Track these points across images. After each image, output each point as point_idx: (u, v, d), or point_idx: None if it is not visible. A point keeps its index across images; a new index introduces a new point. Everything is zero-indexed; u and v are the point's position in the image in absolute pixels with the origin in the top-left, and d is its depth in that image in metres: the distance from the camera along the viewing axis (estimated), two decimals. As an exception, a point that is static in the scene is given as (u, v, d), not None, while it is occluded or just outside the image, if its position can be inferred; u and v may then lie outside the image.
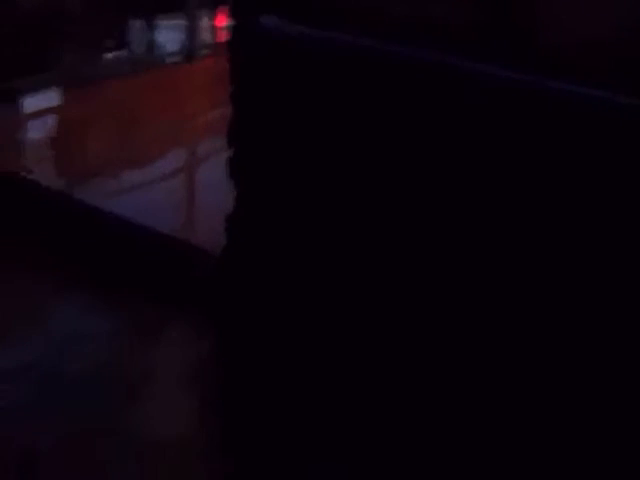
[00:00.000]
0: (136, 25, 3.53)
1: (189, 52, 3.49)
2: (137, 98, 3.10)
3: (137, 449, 1.68)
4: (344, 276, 1.80)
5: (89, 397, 1.81)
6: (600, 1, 1.57)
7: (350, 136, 1.76)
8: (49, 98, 3.13)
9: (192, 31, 3.54)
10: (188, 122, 3.05)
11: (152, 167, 2.80)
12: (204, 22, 3.65)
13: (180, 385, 1.87)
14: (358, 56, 1.73)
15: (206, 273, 2.04)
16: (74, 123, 2.94)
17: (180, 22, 3.57)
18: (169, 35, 3.55)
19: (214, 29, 3.70)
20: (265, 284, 1.91)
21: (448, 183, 1.68)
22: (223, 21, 3.55)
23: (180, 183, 2.78)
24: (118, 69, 3.33)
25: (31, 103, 3.05)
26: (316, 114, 1.80)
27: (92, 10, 3.35)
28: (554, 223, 1.61)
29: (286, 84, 1.84)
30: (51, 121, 3.09)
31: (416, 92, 1.68)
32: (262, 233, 1.92)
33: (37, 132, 2.98)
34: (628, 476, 1.57)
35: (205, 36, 3.63)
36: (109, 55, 3.43)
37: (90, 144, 2.92)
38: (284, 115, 1.86)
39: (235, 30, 1.89)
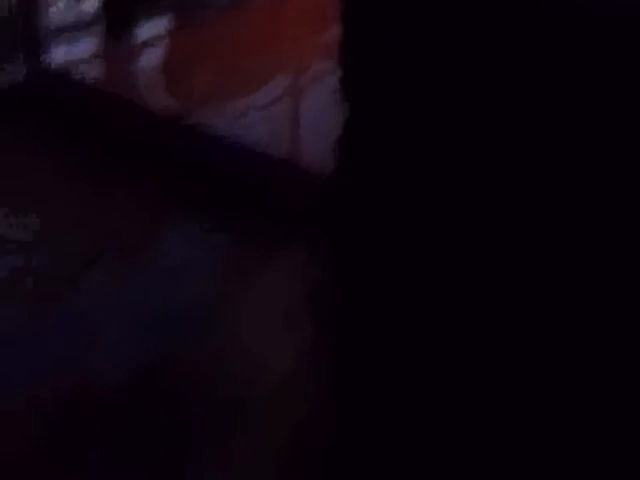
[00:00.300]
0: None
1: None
2: (243, 27, 3.13)
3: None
4: (457, 201, 1.77)
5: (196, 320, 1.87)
6: None
7: (478, 61, 1.69)
8: (160, 26, 3.21)
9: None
10: (297, 47, 3.06)
11: (261, 93, 2.82)
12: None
13: (291, 311, 1.90)
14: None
15: (316, 195, 2.07)
16: (184, 52, 3.00)
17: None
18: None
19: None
20: (377, 207, 1.91)
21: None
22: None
23: (289, 107, 2.81)
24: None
25: (144, 31, 3.13)
26: (435, 34, 1.76)
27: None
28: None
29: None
30: (162, 49, 3.16)
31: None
32: (374, 154, 1.91)
33: (149, 60, 3.06)
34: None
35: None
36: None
37: (200, 72, 2.96)
38: (399, 32, 1.81)
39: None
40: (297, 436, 1.62)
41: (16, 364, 1.73)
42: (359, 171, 1.92)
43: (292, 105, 2.85)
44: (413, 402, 1.64)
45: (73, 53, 2.94)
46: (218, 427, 1.62)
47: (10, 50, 2.86)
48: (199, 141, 2.43)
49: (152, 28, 3.14)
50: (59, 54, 2.95)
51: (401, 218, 1.85)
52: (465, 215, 1.75)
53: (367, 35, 1.85)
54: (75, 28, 3.08)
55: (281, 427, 1.63)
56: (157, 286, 1.96)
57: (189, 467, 1.55)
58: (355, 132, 1.92)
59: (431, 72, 1.76)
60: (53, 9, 3.13)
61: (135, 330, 1.82)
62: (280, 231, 2.11)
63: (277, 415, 1.65)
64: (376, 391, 1.68)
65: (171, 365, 1.75)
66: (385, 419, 1.64)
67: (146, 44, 3.08)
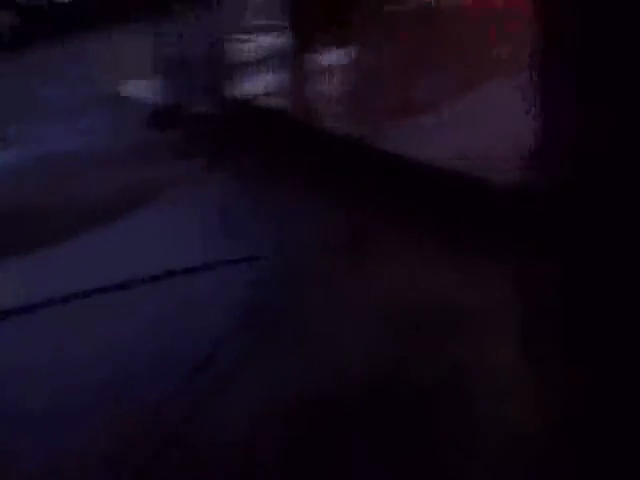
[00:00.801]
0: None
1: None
2: (426, 45, 3.17)
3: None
4: None
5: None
6: None
7: None
8: (343, 53, 3.33)
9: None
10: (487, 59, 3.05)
11: (446, 110, 2.82)
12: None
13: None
14: None
15: (508, 206, 2.03)
16: (369, 75, 3.06)
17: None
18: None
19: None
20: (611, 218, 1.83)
21: None
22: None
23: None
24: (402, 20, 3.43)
25: (328, 57, 3.25)
26: None
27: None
28: None
29: None
30: (346, 75, 3.24)
31: None
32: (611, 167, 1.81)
33: (334, 86, 3.16)
34: None
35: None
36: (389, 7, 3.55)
37: (385, 94, 3.01)
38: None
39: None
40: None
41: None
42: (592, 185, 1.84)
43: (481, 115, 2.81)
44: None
45: (260, 85, 3.09)
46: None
47: (205, 84, 3.04)
48: (390, 162, 2.47)
49: (335, 56, 3.25)
50: (248, 86, 3.10)
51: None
52: None
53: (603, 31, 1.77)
54: (260, 63, 3.24)
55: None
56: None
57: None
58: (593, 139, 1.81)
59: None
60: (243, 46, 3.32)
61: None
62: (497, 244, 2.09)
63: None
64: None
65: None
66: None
67: (330, 71, 3.18)
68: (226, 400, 1.72)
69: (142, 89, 3.19)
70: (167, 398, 1.70)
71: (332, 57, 3.26)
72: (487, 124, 2.70)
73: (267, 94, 2.99)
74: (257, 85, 3.07)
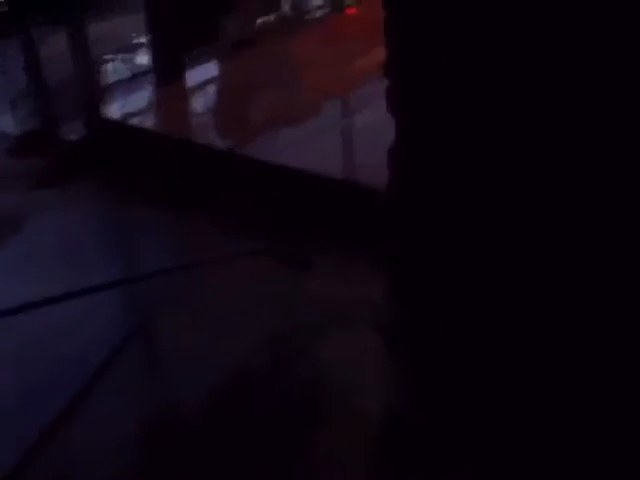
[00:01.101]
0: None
1: (336, 3, 3.56)
2: (294, 54, 3.20)
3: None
4: (518, 207, 1.75)
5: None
6: None
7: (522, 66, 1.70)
8: (213, 67, 3.31)
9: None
10: (349, 69, 3.10)
11: (316, 118, 2.86)
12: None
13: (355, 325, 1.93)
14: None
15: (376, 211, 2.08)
16: (238, 87, 3.08)
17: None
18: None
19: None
20: (432, 215, 1.92)
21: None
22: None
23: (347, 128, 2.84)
24: (271, 31, 3.45)
25: (197, 73, 3.23)
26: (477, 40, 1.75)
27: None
28: None
29: (442, 10, 1.81)
30: (215, 88, 3.25)
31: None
32: (426, 164, 1.93)
33: (204, 99, 3.15)
34: None
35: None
36: (260, 20, 3.57)
37: (256, 105, 3.03)
38: (443, 42, 1.82)
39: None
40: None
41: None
42: (411, 184, 1.94)
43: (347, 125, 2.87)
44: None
45: (129, 104, 3.06)
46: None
47: (72, 107, 2.99)
48: (256, 171, 2.49)
49: (203, 72, 3.24)
50: (117, 107, 3.07)
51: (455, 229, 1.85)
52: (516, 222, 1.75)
53: (413, 45, 1.87)
54: (130, 81, 3.20)
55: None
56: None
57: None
58: (407, 143, 1.94)
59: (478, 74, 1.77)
60: (109, 66, 3.27)
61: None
62: (342, 248, 2.14)
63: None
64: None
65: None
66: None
67: (199, 87, 3.17)
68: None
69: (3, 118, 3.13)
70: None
71: (203, 72, 3.26)
72: (352, 132, 2.82)
73: (138, 113, 2.97)
74: (129, 105, 3.04)
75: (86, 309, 2.03)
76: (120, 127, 2.89)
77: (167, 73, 3.19)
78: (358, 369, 1.78)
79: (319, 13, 3.64)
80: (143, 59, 3.38)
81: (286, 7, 3.61)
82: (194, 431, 1.67)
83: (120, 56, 3.39)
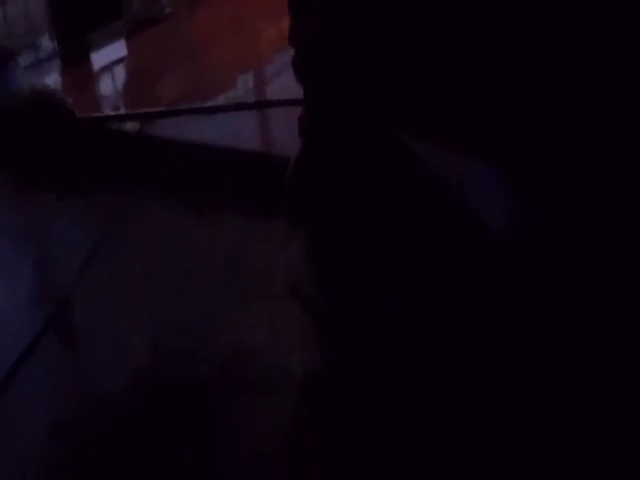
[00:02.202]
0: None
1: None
2: (197, 31, 3.16)
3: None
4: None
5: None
6: None
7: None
8: (119, 47, 3.25)
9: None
10: (261, 40, 3.09)
11: (226, 92, 2.85)
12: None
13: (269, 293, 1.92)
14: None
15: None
16: (144, 67, 3.02)
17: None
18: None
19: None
20: (342, 184, 1.92)
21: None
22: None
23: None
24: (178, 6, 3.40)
25: (102, 54, 3.16)
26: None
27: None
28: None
29: None
30: (123, 68, 3.19)
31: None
32: (333, 130, 1.93)
33: (111, 80, 3.09)
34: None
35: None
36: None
37: (162, 85, 2.99)
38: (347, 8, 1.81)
39: None
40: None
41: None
42: (321, 153, 1.95)
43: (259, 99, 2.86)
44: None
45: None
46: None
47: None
48: (169, 148, 2.45)
49: (109, 52, 3.18)
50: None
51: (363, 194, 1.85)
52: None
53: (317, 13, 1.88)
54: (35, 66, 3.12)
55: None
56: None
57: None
58: (313, 117, 1.94)
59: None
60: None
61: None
62: (256, 223, 2.14)
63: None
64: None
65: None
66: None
67: (105, 68, 3.11)
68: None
69: None
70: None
71: (109, 52, 3.19)
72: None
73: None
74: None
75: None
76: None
77: (72, 55, 3.12)
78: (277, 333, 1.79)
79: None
80: (47, 43, 3.30)
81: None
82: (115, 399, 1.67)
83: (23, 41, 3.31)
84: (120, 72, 3.16)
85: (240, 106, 2.68)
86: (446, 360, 1.62)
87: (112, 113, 2.76)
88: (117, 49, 3.23)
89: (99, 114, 2.75)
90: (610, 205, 1.57)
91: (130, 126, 2.66)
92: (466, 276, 1.65)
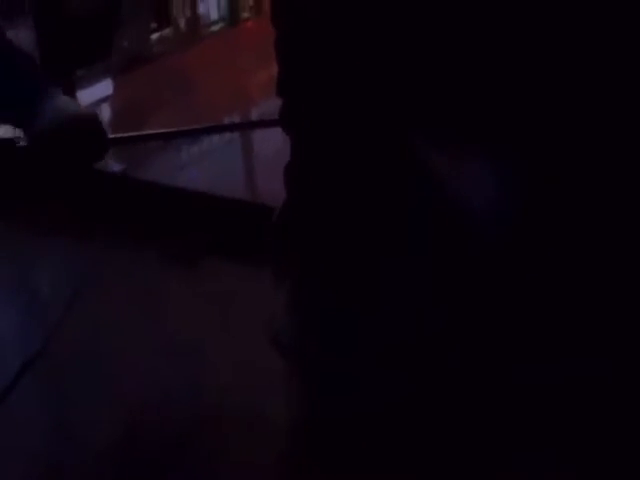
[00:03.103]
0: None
1: (233, 16, 3.52)
2: (187, 71, 3.15)
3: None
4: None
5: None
6: None
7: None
8: (106, 86, 3.22)
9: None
10: (244, 83, 3.08)
11: (212, 136, 2.83)
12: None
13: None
14: None
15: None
16: (129, 106, 3.01)
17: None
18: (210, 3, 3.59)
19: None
20: (330, 232, 1.90)
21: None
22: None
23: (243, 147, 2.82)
24: (166, 46, 3.39)
25: (89, 93, 3.14)
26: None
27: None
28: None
29: (332, 30, 1.80)
30: (108, 106, 3.17)
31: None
32: (321, 182, 1.91)
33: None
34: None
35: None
36: (155, 35, 3.50)
37: (148, 124, 2.97)
38: (333, 59, 1.82)
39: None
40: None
41: None
42: (308, 202, 1.92)
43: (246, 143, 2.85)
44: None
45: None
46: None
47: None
48: (152, 195, 2.42)
49: (96, 90, 3.15)
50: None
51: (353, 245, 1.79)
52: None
53: (303, 63, 1.86)
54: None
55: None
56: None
57: None
58: (300, 159, 1.92)
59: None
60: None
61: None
62: (243, 270, 2.11)
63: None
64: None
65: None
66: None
67: (91, 106, 3.08)
68: None
69: None
70: None
71: (96, 90, 3.17)
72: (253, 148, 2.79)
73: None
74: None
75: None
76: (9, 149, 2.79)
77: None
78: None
79: (215, 27, 3.58)
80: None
81: (181, 22, 3.56)
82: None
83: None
84: (107, 109, 3.14)
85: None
86: (450, 362, 1.58)
87: (140, 133, 2.72)
88: (105, 87, 3.21)
89: (127, 134, 2.71)
90: (613, 200, 1.50)
91: (114, 167, 2.63)
92: (469, 282, 1.60)
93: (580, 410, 1.49)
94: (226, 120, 2.92)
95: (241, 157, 2.74)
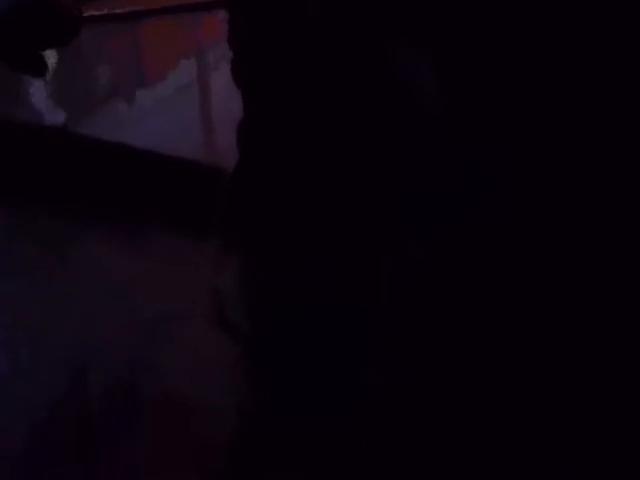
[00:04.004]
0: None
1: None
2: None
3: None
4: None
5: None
6: None
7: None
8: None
9: None
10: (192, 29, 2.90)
11: (162, 86, 2.66)
12: None
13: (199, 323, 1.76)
14: None
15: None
16: (74, 54, 2.82)
17: None
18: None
19: None
20: (281, 198, 1.76)
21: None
22: None
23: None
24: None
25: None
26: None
27: None
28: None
29: None
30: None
31: None
32: (274, 143, 1.77)
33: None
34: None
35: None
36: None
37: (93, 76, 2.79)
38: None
39: None
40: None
41: None
42: (260, 164, 1.78)
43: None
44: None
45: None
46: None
47: None
48: (91, 151, 2.25)
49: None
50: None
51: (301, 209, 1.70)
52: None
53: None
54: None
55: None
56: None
57: None
58: (252, 123, 1.77)
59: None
60: None
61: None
62: (190, 238, 1.96)
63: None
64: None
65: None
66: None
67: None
68: None
69: None
70: None
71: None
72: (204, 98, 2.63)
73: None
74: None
75: None
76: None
77: None
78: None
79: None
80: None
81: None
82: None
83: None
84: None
85: None
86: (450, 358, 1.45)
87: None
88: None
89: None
90: (612, 200, 1.37)
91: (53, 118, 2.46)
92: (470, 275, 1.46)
93: (586, 411, 1.38)
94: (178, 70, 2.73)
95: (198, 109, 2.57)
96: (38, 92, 2.72)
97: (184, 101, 2.56)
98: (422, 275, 1.56)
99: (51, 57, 2.80)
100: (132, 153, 2.19)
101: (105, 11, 2.65)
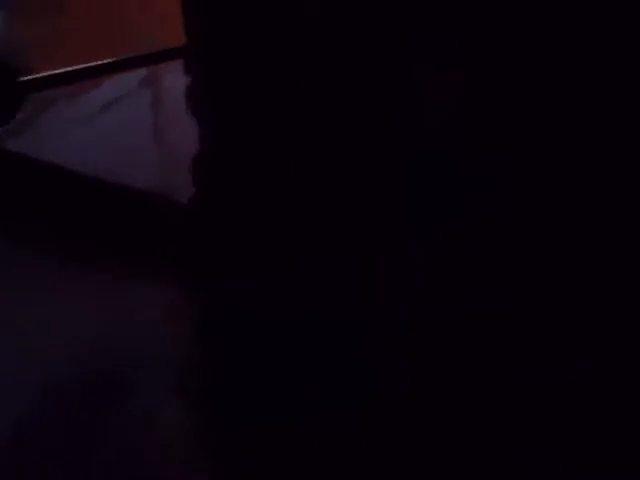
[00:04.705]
0: None
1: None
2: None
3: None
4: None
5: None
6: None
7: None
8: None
9: None
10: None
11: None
12: None
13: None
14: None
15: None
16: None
17: None
18: None
19: None
20: (239, 230, 1.66)
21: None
22: None
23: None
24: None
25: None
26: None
27: None
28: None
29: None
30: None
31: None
32: (231, 173, 1.66)
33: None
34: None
35: None
36: None
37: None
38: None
39: None
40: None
41: None
42: (217, 196, 1.66)
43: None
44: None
45: None
46: None
47: None
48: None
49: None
50: None
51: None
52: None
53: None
54: None
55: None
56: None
57: None
58: (210, 149, 1.66)
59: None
60: None
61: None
62: (138, 270, 1.84)
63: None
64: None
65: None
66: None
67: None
68: None
69: None
70: None
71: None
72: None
73: None
74: None
75: None
76: None
77: None
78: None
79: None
80: None
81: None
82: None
83: None
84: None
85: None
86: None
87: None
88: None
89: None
90: (611, 199, 1.39)
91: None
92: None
93: (580, 409, 1.40)
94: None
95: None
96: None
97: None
98: (422, 275, 1.50)
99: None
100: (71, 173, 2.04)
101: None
